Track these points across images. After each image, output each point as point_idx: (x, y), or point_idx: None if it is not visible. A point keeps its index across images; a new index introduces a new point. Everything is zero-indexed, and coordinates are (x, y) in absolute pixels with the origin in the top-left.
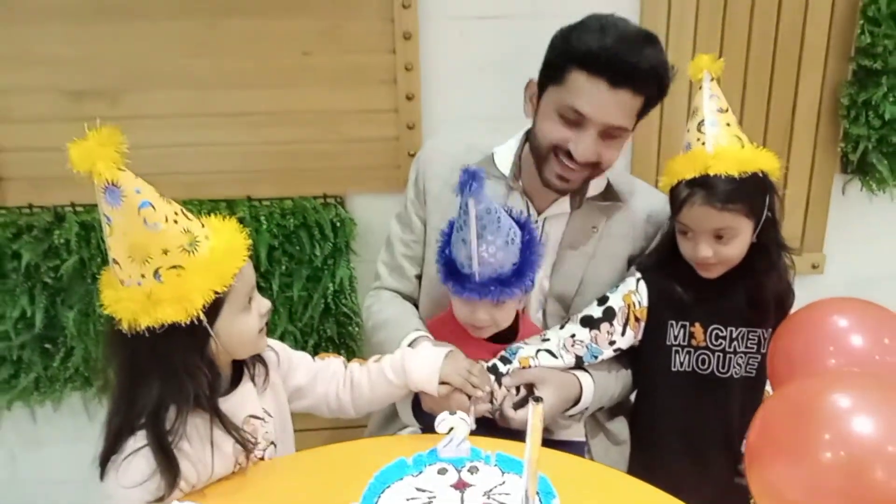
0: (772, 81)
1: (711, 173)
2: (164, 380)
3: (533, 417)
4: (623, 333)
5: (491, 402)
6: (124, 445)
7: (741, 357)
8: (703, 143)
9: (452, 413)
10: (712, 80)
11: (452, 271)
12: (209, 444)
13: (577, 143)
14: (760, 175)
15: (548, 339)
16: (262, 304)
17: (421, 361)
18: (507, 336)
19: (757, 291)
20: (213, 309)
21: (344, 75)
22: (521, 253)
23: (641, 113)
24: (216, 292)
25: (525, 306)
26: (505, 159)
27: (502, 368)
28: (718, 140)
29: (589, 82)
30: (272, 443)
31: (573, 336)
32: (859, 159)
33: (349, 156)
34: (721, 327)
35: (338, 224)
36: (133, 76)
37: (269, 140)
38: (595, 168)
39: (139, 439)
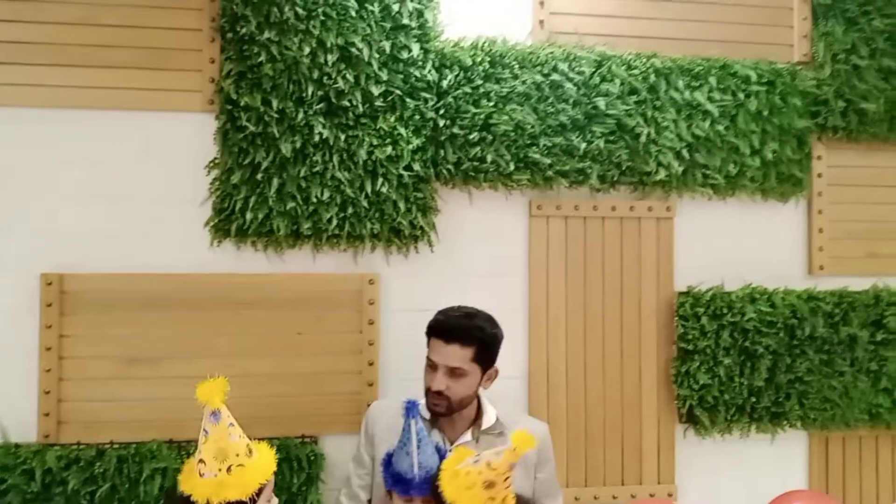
0: (622, 366)
1: None
2: None
3: None
4: None
5: None
6: None
7: None
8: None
9: None
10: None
11: (397, 480)
12: None
13: (433, 380)
14: None
15: None
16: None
17: None
18: None
19: None
20: (255, 495)
21: (325, 348)
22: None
23: (478, 359)
24: (262, 483)
25: None
26: (424, 408)
27: None
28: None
29: (435, 342)
30: None
31: None
32: (688, 413)
33: (323, 406)
34: None
35: (311, 458)
36: (172, 349)
37: (267, 394)
38: (447, 398)
39: None
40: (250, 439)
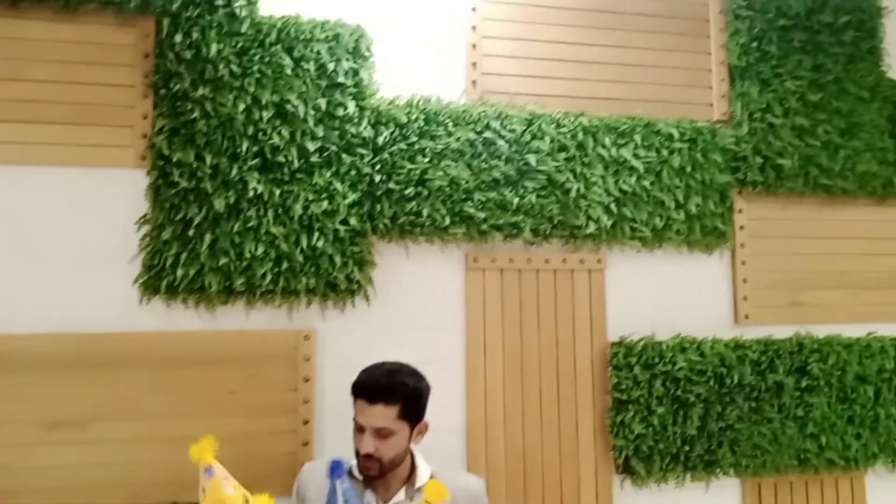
0: (559, 415)
1: None
2: None
3: None
4: None
5: None
6: None
7: None
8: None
9: None
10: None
11: None
12: None
13: (361, 443)
14: None
15: None
16: None
17: None
18: None
19: None
20: None
21: (259, 407)
22: None
23: (405, 416)
24: None
25: None
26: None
27: None
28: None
29: (359, 403)
30: None
31: None
32: (624, 463)
33: (257, 467)
34: None
35: None
36: (100, 410)
37: None
38: (377, 459)
39: None
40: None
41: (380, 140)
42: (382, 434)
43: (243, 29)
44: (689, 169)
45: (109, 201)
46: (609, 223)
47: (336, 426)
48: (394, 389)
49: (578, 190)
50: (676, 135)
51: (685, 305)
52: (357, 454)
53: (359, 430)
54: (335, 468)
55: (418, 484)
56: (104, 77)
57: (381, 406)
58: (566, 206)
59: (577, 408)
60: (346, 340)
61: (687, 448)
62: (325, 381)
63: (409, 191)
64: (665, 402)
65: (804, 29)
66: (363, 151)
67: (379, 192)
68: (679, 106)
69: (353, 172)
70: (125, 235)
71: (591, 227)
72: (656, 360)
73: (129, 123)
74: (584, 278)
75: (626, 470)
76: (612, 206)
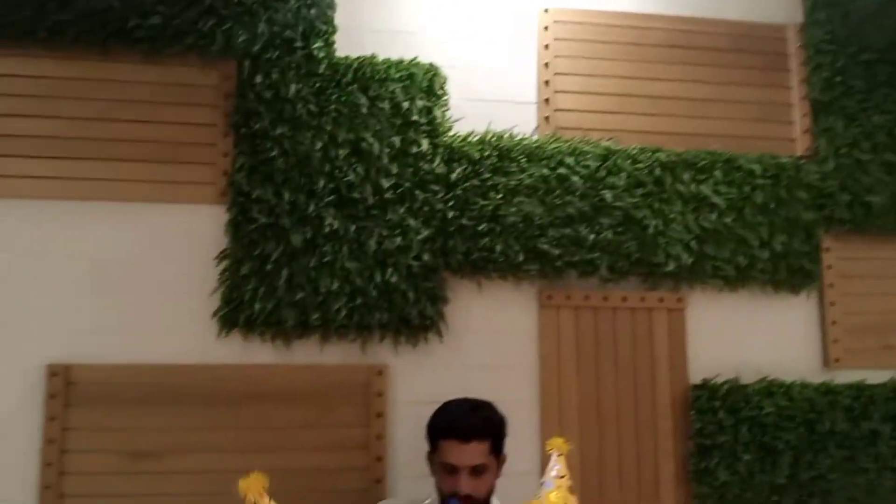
0: (638, 459)
1: None
2: None
3: None
4: None
5: None
6: None
7: None
8: (538, 496)
9: None
10: (559, 455)
11: None
12: None
13: (458, 483)
14: None
15: None
16: None
17: None
18: None
19: None
20: None
21: (332, 442)
22: None
23: (494, 450)
24: None
25: None
26: None
27: None
28: (550, 496)
29: (449, 443)
30: None
31: None
32: None
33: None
34: None
35: None
36: (178, 443)
37: (271, 491)
38: (476, 500)
39: None
40: None
41: (453, 176)
42: (478, 471)
43: (321, 70)
44: (772, 206)
45: (190, 236)
46: (689, 261)
47: (408, 464)
48: (484, 425)
49: (657, 227)
50: (759, 170)
51: (771, 348)
52: (450, 497)
53: (449, 471)
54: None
55: None
56: (187, 117)
57: (475, 443)
58: (644, 243)
59: (656, 453)
60: (417, 376)
61: (776, 498)
62: (397, 418)
63: (482, 227)
64: (752, 448)
65: (889, 63)
66: (436, 188)
67: (452, 229)
68: (758, 141)
69: (427, 209)
70: (205, 270)
71: (671, 265)
72: (742, 404)
73: (210, 161)
74: (664, 318)
75: None
76: (693, 244)
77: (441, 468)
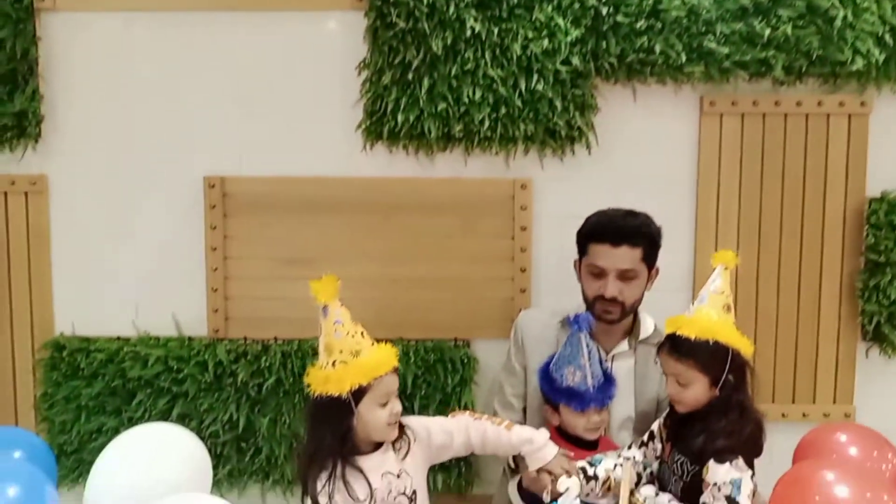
0: (800, 276)
1: (678, 333)
2: (321, 434)
3: (624, 474)
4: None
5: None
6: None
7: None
8: (688, 312)
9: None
10: (725, 269)
11: (571, 395)
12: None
13: (605, 287)
14: (723, 346)
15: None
16: (396, 406)
17: (547, 447)
18: (591, 447)
19: (705, 439)
20: (358, 395)
21: (477, 253)
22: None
23: (646, 258)
24: (361, 384)
25: (607, 426)
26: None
27: (589, 470)
28: (701, 311)
29: (599, 247)
30: (408, 496)
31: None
32: (874, 330)
33: (475, 311)
34: (681, 456)
35: (465, 361)
36: (329, 250)
37: (420, 298)
38: (620, 303)
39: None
40: (377, 341)
41: None
42: (627, 276)
43: None
44: None
45: (329, 45)
46: (881, 58)
47: (551, 276)
48: (638, 230)
49: (845, 18)
50: None
51: None
52: (595, 300)
53: (597, 275)
54: (579, 321)
55: (642, 336)
56: None
57: (626, 248)
58: (828, 37)
59: (821, 269)
60: (563, 191)
61: None
62: (542, 231)
63: (640, 24)
64: None
65: None
66: None
67: (605, 27)
68: None
69: (577, 5)
70: (345, 80)
71: (858, 63)
72: None
73: None
74: (843, 124)
75: (876, 338)
76: (887, 38)
77: (588, 271)
